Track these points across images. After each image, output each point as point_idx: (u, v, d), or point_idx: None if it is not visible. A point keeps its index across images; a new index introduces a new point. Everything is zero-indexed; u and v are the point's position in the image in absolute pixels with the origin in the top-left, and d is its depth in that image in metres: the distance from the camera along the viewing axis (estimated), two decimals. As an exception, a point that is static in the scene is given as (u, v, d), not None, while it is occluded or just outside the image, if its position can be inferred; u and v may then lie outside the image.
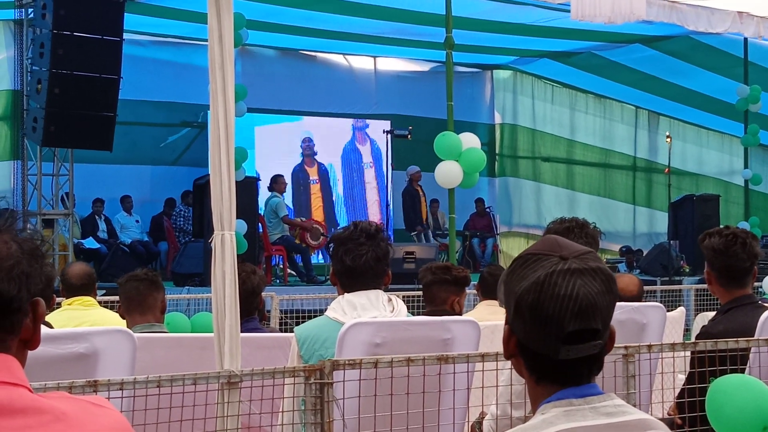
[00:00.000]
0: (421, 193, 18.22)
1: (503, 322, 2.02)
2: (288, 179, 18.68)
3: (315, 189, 19.95)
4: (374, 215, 19.93)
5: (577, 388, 1.93)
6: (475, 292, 7.43)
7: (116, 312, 5.82)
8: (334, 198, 20.20)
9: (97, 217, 16.47)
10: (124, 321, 5.36)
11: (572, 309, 1.88)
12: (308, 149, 19.93)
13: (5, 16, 15.77)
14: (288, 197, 19.07)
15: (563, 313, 1.88)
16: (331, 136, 20.13)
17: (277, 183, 16.39)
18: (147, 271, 5.53)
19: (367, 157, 20.23)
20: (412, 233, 18.17)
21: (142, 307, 5.26)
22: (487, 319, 5.70)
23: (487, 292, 6.94)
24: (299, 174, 19.83)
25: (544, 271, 1.91)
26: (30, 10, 14.13)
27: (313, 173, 19.96)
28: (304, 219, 17.56)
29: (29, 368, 1.64)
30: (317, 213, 19.68)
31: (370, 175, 20.40)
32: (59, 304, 6.22)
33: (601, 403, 1.92)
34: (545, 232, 4.45)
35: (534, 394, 1.98)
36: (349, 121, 20.41)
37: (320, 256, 17.63)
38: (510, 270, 1.99)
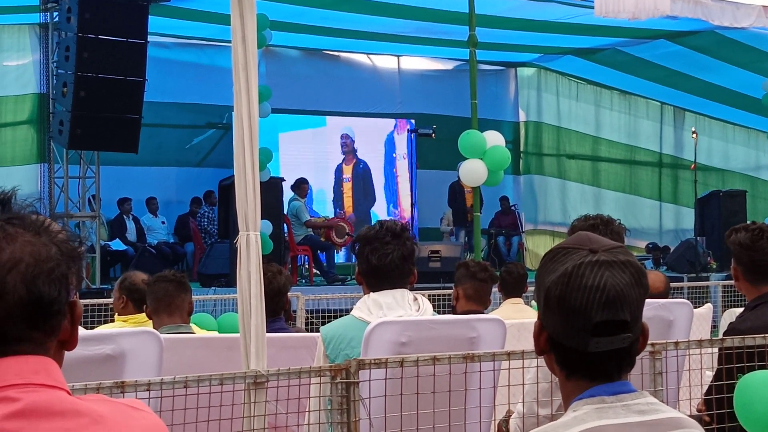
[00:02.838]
0: (467, 189, 18.16)
1: (529, 320, 2.02)
2: (332, 175, 19.20)
3: (347, 188, 20.00)
4: (406, 210, 19.89)
5: (609, 385, 1.92)
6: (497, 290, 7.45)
7: (144, 313, 5.81)
8: (371, 196, 20.22)
9: (125, 217, 16.54)
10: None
11: (599, 300, 1.87)
12: (345, 146, 19.98)
13: (30, 20, 15.87)
14: (330, 194, 19.41)
15: (590, 304, 1.87)
16: (365, 136, 20.17)
17: (299, 188, 16.38)
18: (175, 273, 5.53)
19: (401, 149, 20.17)
20: (451, 226, 18.27)
21: (170, 308, 5.27)
22: (513, 317, 5.70)
23: (508, 290, 6.94)
24: (337, 172, 19.94)
25: (572, 263, 1.91)
26: (55, 13, 14.22)
27: (347, 171, 20.00)
28: (327, 218, 17.56)
29: (57, 370, 1.66)
30: (348, 212, 19.74)
31: (403, 167, 20.33)
32: (110, 316, 6.06)
33: (634, 401, 1.92)
34: (570, 230, 4.44)
35: (565, 391, 1.98)
36: (385, 120, 20.43)
37: (347, 256, 17.65)
38: (541, 264, 2.00)
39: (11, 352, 1.57)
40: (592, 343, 1.88)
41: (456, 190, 18.30)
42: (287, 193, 15.91)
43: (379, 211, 19.98)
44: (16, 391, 1.53)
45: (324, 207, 19.06)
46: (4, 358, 1.56)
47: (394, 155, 20.34)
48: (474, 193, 13.20)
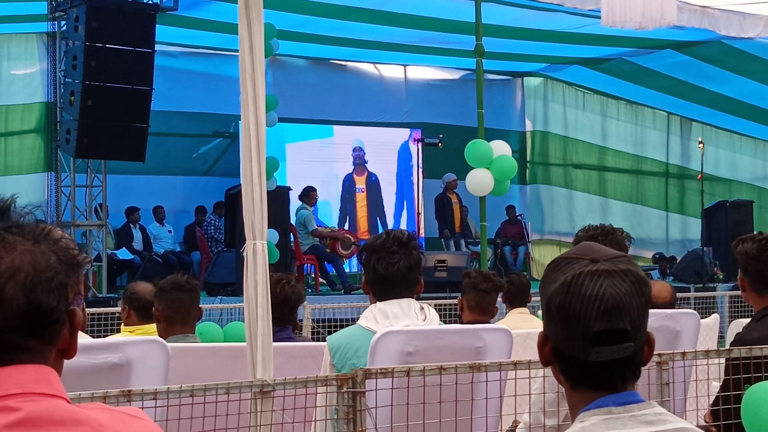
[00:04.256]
0: (454, 201, 18.22)
1: (536, 329, 2.02)
2: (339, 185, 19.34)
3: (360, 198, 20.01)
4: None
5: (616, 396, 1.92)
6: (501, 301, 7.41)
7: (149, 324, 5.75)
8: (381, 208, 20.20)
9: (132, 226, 16.55)
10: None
11: (598, 308, 1.87)
12: (359, 158, 20.01)
13: (38, 29, 15.91)
14: (336, 204, 19.42)
15: (589, 313, 1.87)
16: (377, 145, 20.17)
17: (308, 196, 16.39)
18: (188, 279, 5.39)
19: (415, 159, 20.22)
20: (440, 238, 18.25)
21: (185, 318, 5.23)
22: (519, 326, 5.69)
23: (512, 300, 6.92)
24: (346, 183, 19.97)
25: (573, 273, 1.92)
26: (63, 22, 14.26)
27: (360, 182, 20.02)
28: (334, 229, 17.58)
29: (64, 378, 1.65)
30: (362, 222, 19.74)
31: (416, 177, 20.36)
32: (116, 325, 5.98)
33: (641, 411, 1.91)
34: (574, 240, 4.46)
35: (572, 402, 1.97)
36: (395, 130, 20.40)
37: (353, 264, 17.64)
38: (544, 275, 2.00)
39: (10, 362, 1.57)
40: (592, 353, 1.88)
41: (444, 201, 18.29)
42: (294, 203, 15.91)
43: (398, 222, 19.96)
44: (16, 400, 1.53)
45: (329, 218, 19.05)
46: (3, 368, 1.56)
47: (411, 164, 20.32)
48: (480, 203, 13.18)
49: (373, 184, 20.15)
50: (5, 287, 1.56)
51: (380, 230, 19.08)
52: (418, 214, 16.76)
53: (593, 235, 4.41)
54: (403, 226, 19.42)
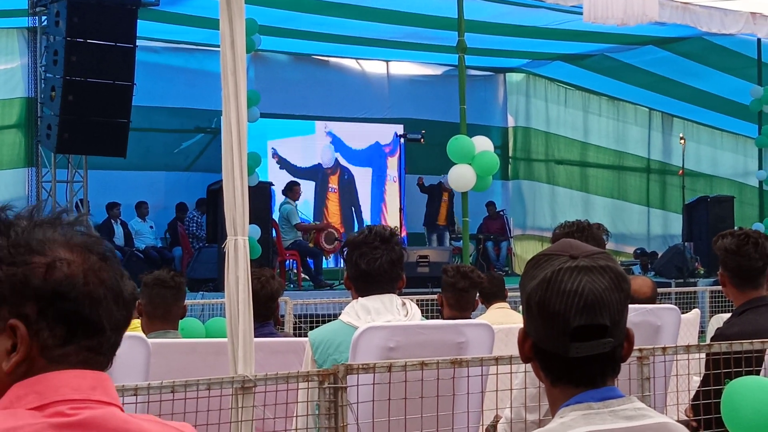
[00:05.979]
0: (444, 198, 18.26)
1: (517, 324, 2.03)
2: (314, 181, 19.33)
3: (333, 197, 19.99)
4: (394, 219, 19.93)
5: (596, 391, 1.92)
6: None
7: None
8: (357, 205, 20.21)
9: (113, 221, 16.49)
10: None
11: (577, 304, 1.88)
12: (332, 158, 19.99)
13: (19, 23, 15.84)
14: (311, 199, 19.40)
15: (569, 309, 1.88)
16: (353, 141, 20.18)
17: (291, 191, 16.38)
18: (174, 275, 5.36)
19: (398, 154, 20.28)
20: (423, 226, 18.35)
21: (166, 314, 5.21)
22: (500, 321, 5.70)
23: (490, 298, 6.89)
24: (322, 179, 19.96)
25: (552, 269, 1.93)
26: (43, 17, 14.20)
27: (333, 181, 20.00)
28: (318, 223, 17.57)
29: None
30: (333, 219, 19.71)
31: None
32: None
33: (621, 407, 1.92)
34: (552, 238, 4.49)
35: (552, 397, 1.98)
36: (372, 126, 20.41)
37: (336, 261, 17.64)
38: (524, 271, 2.01)
39: (87, 365, 1.59)
40: (572, 349, 1.89)
41: (434, 193, 18.34)
42: (276, 198, 15.88)
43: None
44: (73, 406, 1.52)
45: (308, 215, 19.06)
46: (64, 371, 1.55)
47: (391, 160, 20.37)
48: (462, 198, 13.20)
49: (346, 182, 20.12)
50: (125, 286, 1.62)
51: (355, 228, 19.17)
52: (401, 209, 16.77)
53: (569, 232, 4.45)
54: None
